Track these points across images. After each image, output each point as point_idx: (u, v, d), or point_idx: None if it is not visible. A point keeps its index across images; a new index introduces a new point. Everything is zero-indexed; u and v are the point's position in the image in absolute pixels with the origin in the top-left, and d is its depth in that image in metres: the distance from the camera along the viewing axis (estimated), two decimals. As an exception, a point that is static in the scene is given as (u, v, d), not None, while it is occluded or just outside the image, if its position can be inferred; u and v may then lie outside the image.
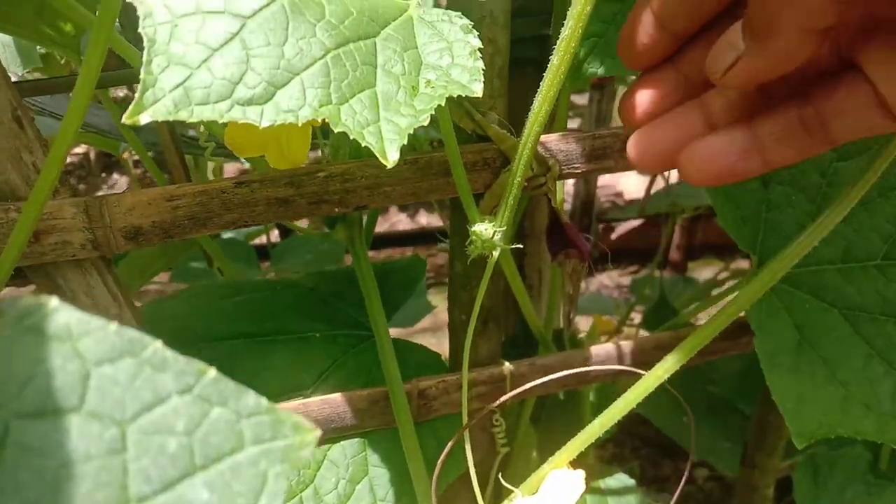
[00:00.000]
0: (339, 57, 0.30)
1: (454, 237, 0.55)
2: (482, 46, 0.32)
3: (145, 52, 0.28)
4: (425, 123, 0.30)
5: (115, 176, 2.85)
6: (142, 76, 0.28)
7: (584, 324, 1.76)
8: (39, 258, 0.43)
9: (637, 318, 1.72)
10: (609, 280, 2.71)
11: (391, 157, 0.29)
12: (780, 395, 0.51)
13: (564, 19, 0.36)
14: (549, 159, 0.51)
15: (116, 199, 0.43)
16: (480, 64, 0.32)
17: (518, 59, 0.56)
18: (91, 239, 0.44)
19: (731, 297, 0.46)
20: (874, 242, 0.53)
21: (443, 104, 0.30)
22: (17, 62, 0.73)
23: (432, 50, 0.33)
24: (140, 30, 0.28)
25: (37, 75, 0.84)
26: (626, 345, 0.59)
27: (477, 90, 0.31)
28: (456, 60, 0.32)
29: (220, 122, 0.28)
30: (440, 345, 0.61)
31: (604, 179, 2.71)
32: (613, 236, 2.75)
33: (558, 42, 0.37)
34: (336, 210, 0.48)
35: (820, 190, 0.53)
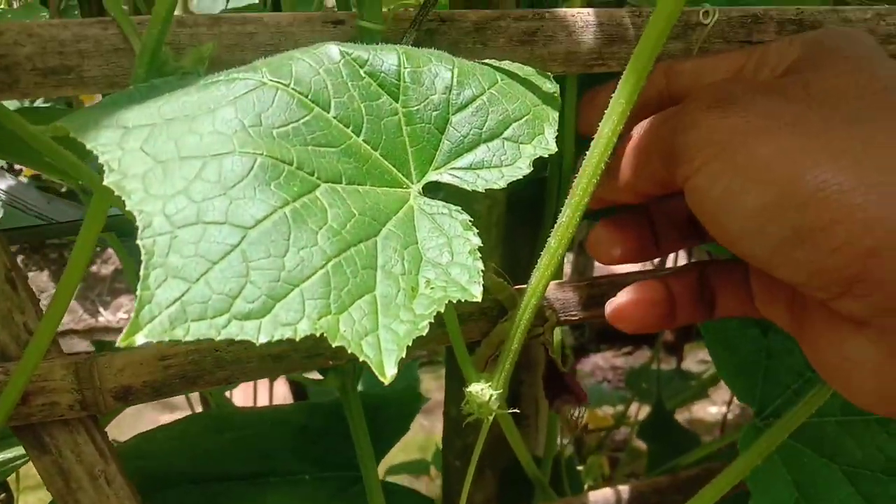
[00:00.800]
0: (339, 264, 0.30)
1: (450, 380, 0.55)
2: (480, 245, 0.32)
3: (143, 266, 0.28)
4: (424, 333, 0.30)
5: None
6: (139, 291, 0.27)
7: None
8: (26, 419, 0.42)
9: (634, 409, 1.70)
10: (603, 361, 2.69)
11: (388, 373, 0.28)
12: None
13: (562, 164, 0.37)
14: (546, 309, 0.51)
15: (107, 360, 0.43)
16: (480, 265, 0.32)
17: (515, 202, 0.57)
18: (80, 399, 0.43)
19: (730, 466, 0.45)
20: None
21: (442, 310, 0.30)
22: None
23: (432, 245, 0.33)
24: (138, 241, 0.28)
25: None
26: (625, 490, 0.58)
27: (476, 293, 0.31)
28: (455, 258, 0.32)
29: (216, 338, 0.28)
30: (433, 427, 0.60)
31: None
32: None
33: (578, 177, 0.37)
34: (330, 363, 0.47)
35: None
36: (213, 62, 0.39)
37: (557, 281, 0.52)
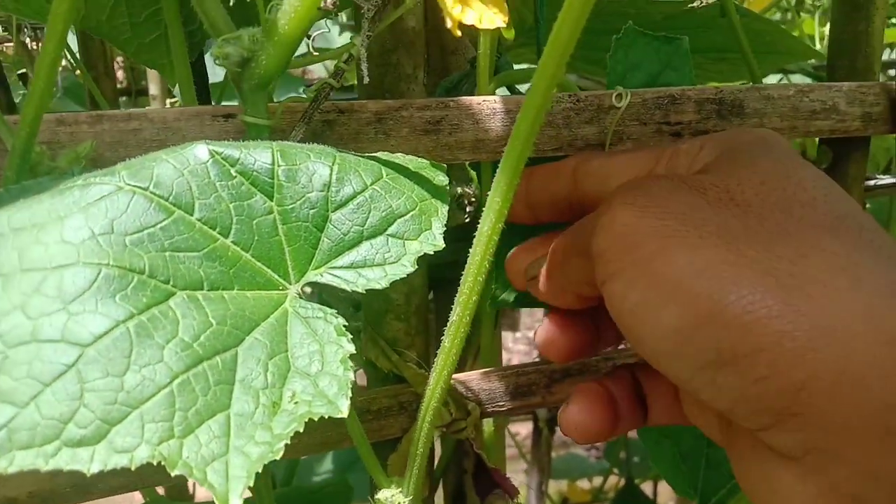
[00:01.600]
0: (187, 381, 0.28)
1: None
2: (353, 353, 0.30)
3: (-32, 390, 0.26)
4: (278, 456, 0.27)
5: None
6: (-40, 418, 0.25)
7: (558, 488, 1.68)
8: None
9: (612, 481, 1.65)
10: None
11: (232, 503, 0.26)
12: None
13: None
14: (468, 402, 0.49)
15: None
16: (350, 375, 0.30)
17: (440, 280, 0.55)
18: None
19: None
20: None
21: (301, 429, 0.28)
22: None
23: (303, 353, 0.31)
24: (-34, 363, 0.26)
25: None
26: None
27: (343, 408, 0.29)
28: (326, 367, 0.30)
29: (45, 468, 0.25)
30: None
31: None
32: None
33: (464, 275, 0.35)
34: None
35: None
36: (96, 161, 0.37)
37: (483, 370, 0.50)
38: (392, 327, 0.49)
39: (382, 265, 0.33)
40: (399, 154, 0.38)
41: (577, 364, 0.53)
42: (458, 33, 0.33)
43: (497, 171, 0.31)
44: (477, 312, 0.37)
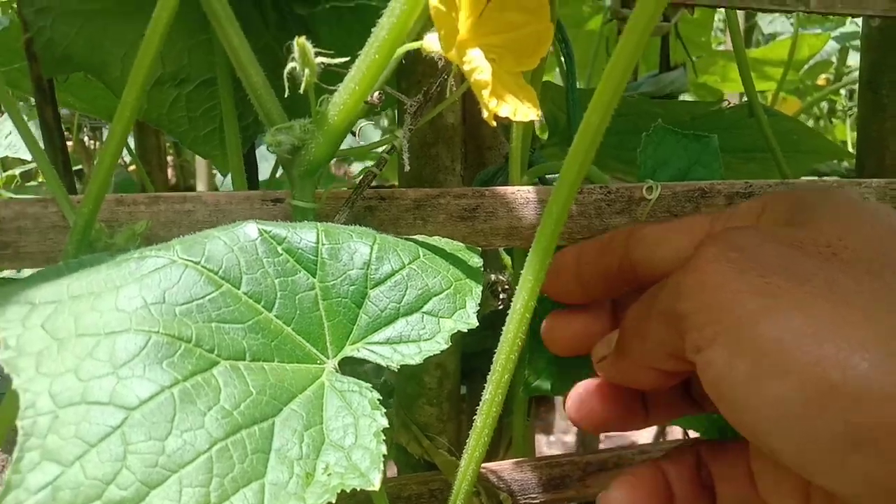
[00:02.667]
0: (226, 448, 0.28)
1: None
2: (386, 426, 0.31)
3: (17, 447, 0.27)
4: (311, 525, 0.27)
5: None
6: (8, 475, 0.26)
7: None
8: None
9: None
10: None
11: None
12: None
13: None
14: (500, 492, 0.48)
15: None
16: (383, 448, 0.30)
17: (473, 369, 0.56)
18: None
19: None
20: None
21: (333, 500, 0.28)
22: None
23: (337, 426, 0.31)
24: (18, 421, 0.27)
25: None
26: None
27: (375, 481, 0.29)
28: (359, 440, 0.31)
29: (83, 527, 0.26)
30: None
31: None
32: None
33: (496, 353, 0.35)
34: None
35: None
36: (150, 239, 0.40)
37: (515, 460, 0.50)
38: (424, 412, 0.49)
39: (417, 342, 0.34)
40: (436, 237, 0.40)
41: (614, 456, 0.52)
42: (494, 123, 0.35)
43: (530, 251, 0.32)
44: (510, 401, 0.37)
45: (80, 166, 1.76)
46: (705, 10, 1.25)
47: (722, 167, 0.57)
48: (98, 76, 0.56)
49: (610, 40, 1.15)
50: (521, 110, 0.37)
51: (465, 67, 0.34)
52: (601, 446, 1.65)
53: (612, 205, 0.48)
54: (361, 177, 0.42)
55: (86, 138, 1.81)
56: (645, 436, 1.81)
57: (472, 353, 0.54)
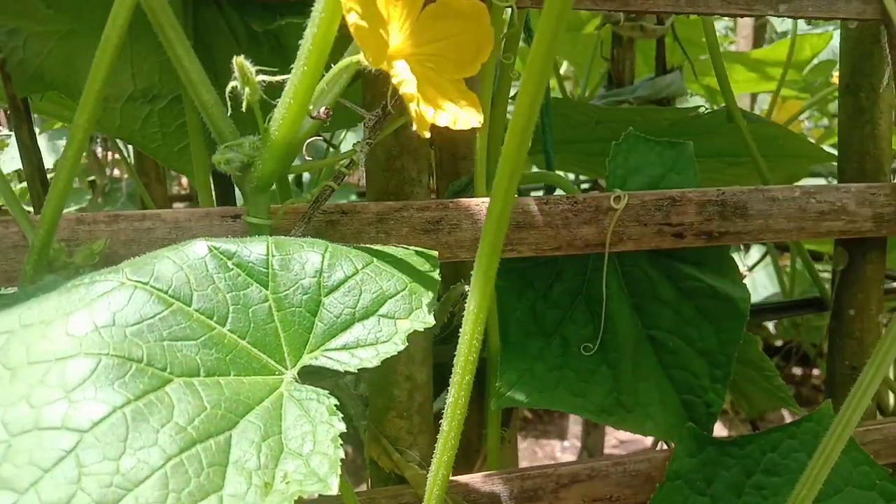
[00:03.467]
0: (181, 463, 0.29)
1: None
2: (343, 430, 0.31)
3: (-28, 479, 0.27)
4: (268, 535, 0.28)
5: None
6: (-38, 506, 0.26)
7: None
8: None
9: None
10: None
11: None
12: None
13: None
14: None
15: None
16: (340, 453, 0.30)
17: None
18: None
19: None
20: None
21: (292, 505, 0.28)
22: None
23: (296, 434, 0.31)
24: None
25: None
26: None
27: (333, 486, 0.29)
28: (317, 447, 0.31)
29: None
30: None
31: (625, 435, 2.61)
32: None
33: (457, 354, 0.35)
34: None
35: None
36: (111, 257, 0.40)
37: (485, 472, 0.49)
38: (394, 425, 0.49)
39: (375, 345, 0.34)
40: (388, 245, 0.40)
41: (587, 469, 0.52)
42: (427, 135, 0.35)
43: (475, 263, 0.32)
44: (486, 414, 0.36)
45: (93, 177, 1.78)
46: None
47: (698, 173, 0.56)
48: (69, 94, 0.56)
49: (605, 44, 1.14)
50: (462, 118, 0.37)
51: (394, 80, 0.34)
52: (614, 451, 1.61)
53: (578, 215, 0.48)
54: (318, 192, 0.42)
55: (98, 150, 1.83)
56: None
57: (445, 364, 0.55)
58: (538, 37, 0.28)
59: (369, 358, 0.34)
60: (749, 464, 0.53)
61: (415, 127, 0.34)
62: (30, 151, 0.62)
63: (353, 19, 0.32)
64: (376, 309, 0.35)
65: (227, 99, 0.37)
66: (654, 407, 0.55)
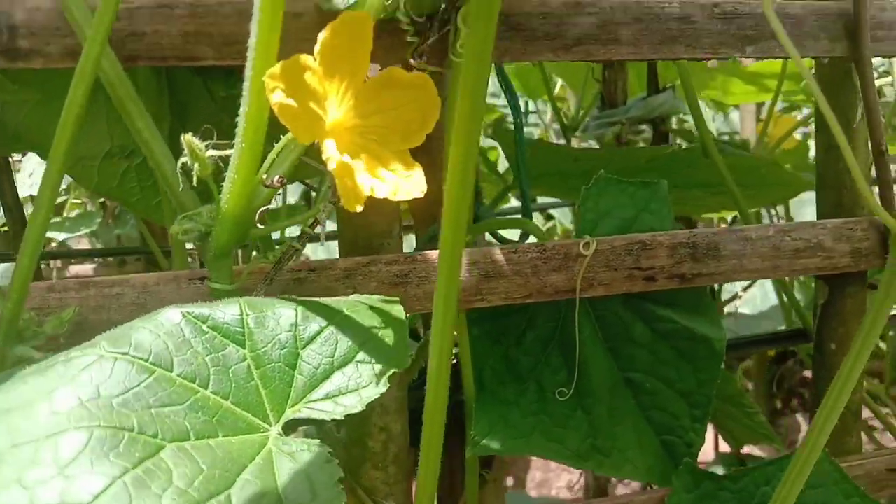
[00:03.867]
0: (188, 526, 0.28)
1: None
2: (342, 476, 0.31)
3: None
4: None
5: None
6: None
7: None
8: None
9: None
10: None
11: None
12: None
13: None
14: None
15: None
16: (343, 498, 0.30)
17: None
18: None
19: None
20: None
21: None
22: None
23: (293, 487, 0.31)
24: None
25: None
26: None
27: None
28: (318, 496, 0.31)
29: None
30: None
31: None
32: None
33: (426, 393, 0.34)
34: None
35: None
36: (81, 324, 0.40)
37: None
38: (370, 476, 0.49)
39: (357, 390, 0.35)
40: (353, 295, 0.41)
41: None
42: (358, 209, 0.35)
43: (432, 318, 0.31)
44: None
45: (102, 198, 1.72)
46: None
47: (672, 212, 0.55)
48: (45, 156, 0.57)
49: (596, 66, 1.14)
50: (403, 188, 0.37)
51: (323, 157, 0.35)
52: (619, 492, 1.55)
53: (547, 262, 0.49)
54: (282, 252, 0.42)
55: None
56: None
57: (417, 409, 0.55)
58: (460, 104, 0.26)
59: (353, 404, 0.35)
60: (744, 497, 0.54)
61: (342, 202, 0.35)
62: (13, 211, 0.63)
63: (277, 98, 0.33)
64: (354, 356, 0.36)
65: (179, 174, 0.38)
66: (631, 451, 0.56)
